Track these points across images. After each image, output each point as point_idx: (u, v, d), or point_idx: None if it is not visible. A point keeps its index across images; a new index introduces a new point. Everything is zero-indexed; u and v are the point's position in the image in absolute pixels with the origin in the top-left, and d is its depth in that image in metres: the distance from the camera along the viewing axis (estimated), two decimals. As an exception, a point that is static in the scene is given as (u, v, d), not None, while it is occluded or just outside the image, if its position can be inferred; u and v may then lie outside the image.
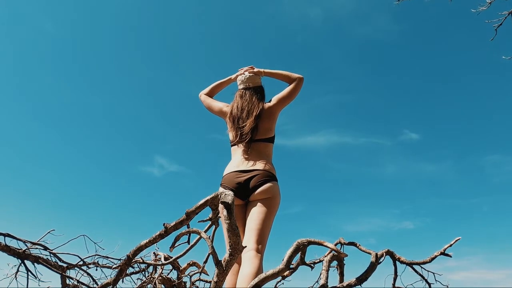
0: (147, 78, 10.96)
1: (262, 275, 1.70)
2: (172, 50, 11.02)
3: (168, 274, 3.57)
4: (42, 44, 9.93)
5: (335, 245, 2.68)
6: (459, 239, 2.65)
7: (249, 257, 2.09)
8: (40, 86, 9.92)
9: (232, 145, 2.61)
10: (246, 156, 2.47)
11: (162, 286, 3.39)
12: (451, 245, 2.65)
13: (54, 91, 10.09)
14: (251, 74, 2.73)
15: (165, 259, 3.46)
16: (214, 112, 2.83)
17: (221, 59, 10.73)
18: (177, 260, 2.99)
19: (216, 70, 10.76)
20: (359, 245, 2.56)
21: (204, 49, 11.02)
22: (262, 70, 2.77)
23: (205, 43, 10.99)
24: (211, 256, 1.58)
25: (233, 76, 2.88)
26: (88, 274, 2.90)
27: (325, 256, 2.57)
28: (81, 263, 2.89)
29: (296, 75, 2.67)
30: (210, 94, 2.92)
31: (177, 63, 10.99)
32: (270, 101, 2.67)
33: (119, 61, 10.64)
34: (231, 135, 2.61)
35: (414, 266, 2.75)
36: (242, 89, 2.72)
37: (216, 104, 2.82)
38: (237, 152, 2.54)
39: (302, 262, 1.83)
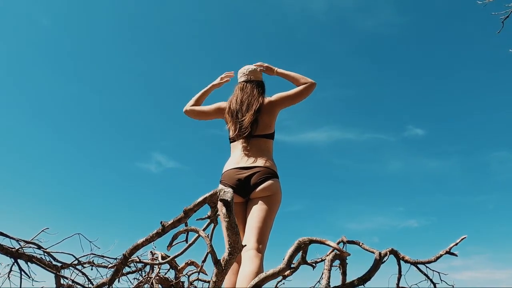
0: (144, 72, 10.93)
1: (262, 275, 1.70)
2: (170, 44, 10.99)
3: (166, 273, 3.57)
4: (37, 39, 9.88)
5: (337, 243, 2.69)
6: (465, 237, 2.66)
7: (249, 257, 2.09)
8: (35, 81, 9.89)
9: (231, 141, 2.60)
10: (246, 153, 2.46)
11: (159, 286, 3.40)
12: (456, 244, 2.66)
13: (49, 86, 10.07)
14: (254, 67, 2.72)
15: (163, 258, 3.47)
16: (209, 116, 2.77)
17: (220, 52, 10.69)
18: (175, 259, 2.99)
19: (214, 63, 10.72)
20: (362, 243, 2.57)
21: (203, 42, 10.98)
22: (275, 68, 2.76)
23: (204, 36, 10.95)
24: (209, 255, 1.57)
25: (216, 82, 2.88)
26: (83, 273, 2.91)
27: (327, 255, 2.58)
28: (76, 262, 2.89)
29: (310, 80, 2.63)
30: (196, 104, 2.86)
31: (174, 56, 10.95)
32: (271, 96, 2.65)
33: (116, 55, 10.60)
34: (230, 131, 2.59)
35: (418, 265, 2.76)
36: (243, 81, 2.71)
37: (209, 107, 2.76)
38: (236, 148, 2.52)
39: (303, 261, 1.83)
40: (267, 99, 2.61)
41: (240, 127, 2.49)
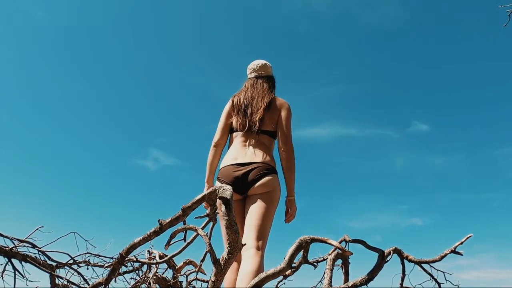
0: (142, 67, 10.90)
1: (262, 274, 1.70)
2: (169, 37, 10.96)
3: (163, 273, 3.58)
4: (32, 32, 9.84)
5: (340, 242, 2.68)
6: (470, 236, 2.66)
7: (249, 255, 2.10)
8: (28, 75, 9.87)
9: (232, 134, 2.60)
10: (246, 147, 2.46)
11: (157, 286, 3.40)
12: (462, 243, 2.66)
13: (44, 80, 10.04)
14: (265, 62, 2.72)
15: (160, 257, 3.47)
16: (227, 122, 2.65)
17: (220, 46, 10.67)
18: (173, 258, 2.99)
19: (214, 57, 10.70)
20: (365, 242, 2.57)
21: (203, 36, 10.95)
22: (292, 198, 2.54)
23: (204, 30, 10.92)
24: (208, 254, 1.57)
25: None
26: (79, 273, 2.91)
27: (329, 255, 2.58)
28: (71, 261, 2.90)
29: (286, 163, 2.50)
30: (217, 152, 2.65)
31: (174, 50, 10.92)
32: (282, 99, 2.64)
33: (114, 50, 10.57)
34: (235, 122, 2.58)
35: (423, 264, 2.76)
36: (253, 77, 2.71)
37: (223, 122, 2.64)
38: (237, 141, 2.52)
39: (304, 260, 1.83)
40: (278, 99, 2.62)
41: (249, 121, 2.49)
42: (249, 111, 2.53)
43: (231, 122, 2.62)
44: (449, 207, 9.64)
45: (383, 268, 2.10)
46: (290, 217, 2.54)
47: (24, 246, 2.65)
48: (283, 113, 2.55)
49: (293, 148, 2.51)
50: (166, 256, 2.76)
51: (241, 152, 2.45)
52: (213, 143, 2.62)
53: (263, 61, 2.75)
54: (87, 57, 10.41)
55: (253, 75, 2.72)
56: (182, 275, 3.80)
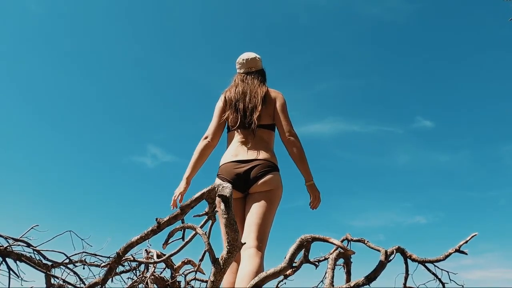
0: (141, 61, 10.88)
1: (262, 274, 1.70)
2: (168, 31, 10.93)
3: (161, 273, 3.59)
4: (26, 26, 9.81)
5: (342, 241, 2.69)
6: (475, 235, 2.66)
7: (249, 255, 2.09)
8: (23, 70, 9.85)
9: (228, 130, 2.59)
10: (245, 144, 2.45)
11: (155, 285, 3.41)
12: (466, 242, 2.66)
13: (38, 75, 10.02)
14: (254, 55, 2.71)
15: (158, 256, 3.48)
16: (221, 117, 2.61)
17: (220, 40, 10.64)
18: (171, 258, 3.00)
19: (214, 52, 10.67)
20: (367, 241, 2.57)
21: (202, 29, 10.92)
22: (312, 182, 2.52)
23: (203, 24, 10.90)
24: (207, 253, 1.57)
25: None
26: (75, 273, 2.92)
27: (331, 254, 2.58)
28: (67, 261, 2.90)
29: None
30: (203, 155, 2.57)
31: (173, 44, 10.89)
32: (274, 90, 2.64)
33: (111, 44, 10.54)
34: (230, 120, 2.57)
35: (426, 264, 2.77)
36: (243, 73, 2.70)
37: (216, 118, 2.61)
38: (235, 138, 2.51)
39: (305, 260, 1.83)
40: (271, 91, 2.61)
41: (242, 116, 2.48)
42: (241, 106, 2.52)
43: (226, 119, 2.60)
44: (453, 205, 9.64)
45: (386, 267, 2.10)
46: (316, 201, 2.52)
47: (19, 245, 2.66)
48: (279, 103, 2.56)
49: (297, 134, 2.50)
50: (164, 255, 2.76)
51: (242, 149, 2.44)
52: (205, 141, 2.55)
53: (252, 55, 2.73)
54: (83, 52, 10.39)
55: (242, 70, 2.71)
56: (181, 274, 3.81)
